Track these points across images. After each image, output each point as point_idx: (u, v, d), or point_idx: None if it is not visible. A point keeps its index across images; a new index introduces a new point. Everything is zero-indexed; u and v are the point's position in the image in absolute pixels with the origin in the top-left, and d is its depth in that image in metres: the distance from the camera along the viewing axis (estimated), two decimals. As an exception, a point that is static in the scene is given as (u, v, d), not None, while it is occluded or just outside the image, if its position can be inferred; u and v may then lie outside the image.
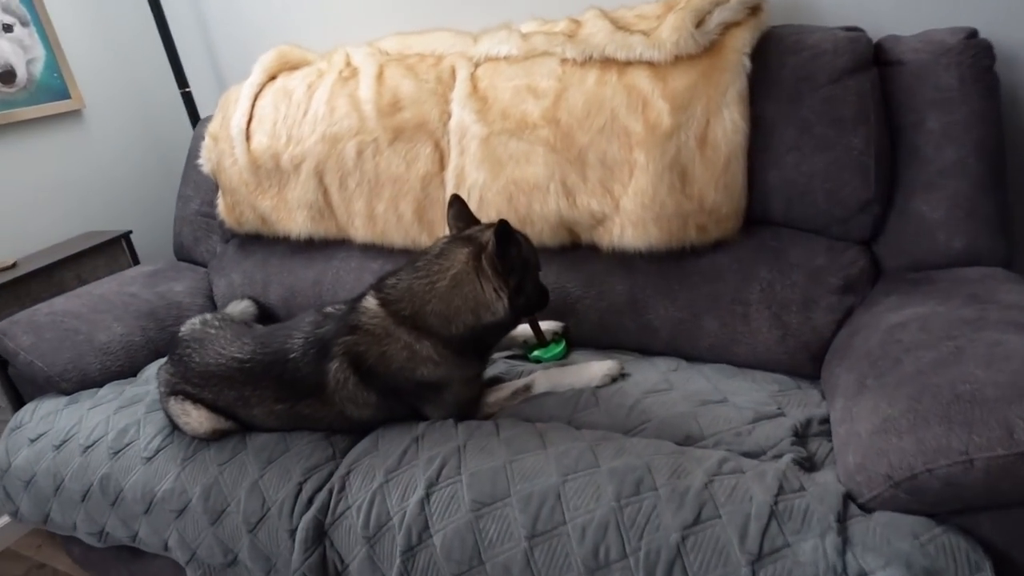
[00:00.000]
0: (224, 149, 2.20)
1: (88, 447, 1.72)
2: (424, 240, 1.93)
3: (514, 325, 1.54)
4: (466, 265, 1.42)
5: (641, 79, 1.56)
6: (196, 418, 1.58)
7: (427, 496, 1.29)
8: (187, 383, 1.60)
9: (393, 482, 1.36)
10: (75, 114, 2.55)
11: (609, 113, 1.59)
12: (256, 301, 2.21)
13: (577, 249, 1.75)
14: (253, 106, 2.19)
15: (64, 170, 2.54)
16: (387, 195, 1.97)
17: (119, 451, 1.67)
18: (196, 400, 1.59)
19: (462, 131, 1.83)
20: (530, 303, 1.52)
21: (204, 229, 2.47)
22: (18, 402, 2.12)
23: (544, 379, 1.57)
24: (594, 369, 1.56)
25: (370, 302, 1.48)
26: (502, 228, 1.35)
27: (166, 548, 1.61)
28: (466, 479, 1.29)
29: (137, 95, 2.78)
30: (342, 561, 1.36)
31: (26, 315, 2.03)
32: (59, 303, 2.10)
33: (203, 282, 2.39)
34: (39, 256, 2.37)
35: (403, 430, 1.50)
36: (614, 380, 1.55)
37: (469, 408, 1.55)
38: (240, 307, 2.13)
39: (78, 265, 2.36)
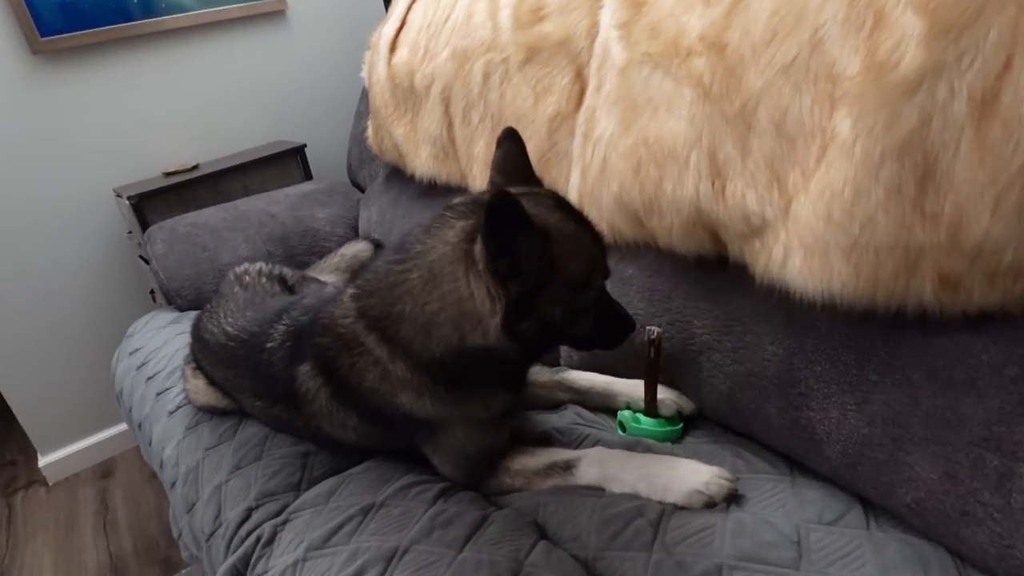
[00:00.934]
0: (374, 61, 1.88)
1: (150, 378, 1.61)
2: (542, 206, 1.39)
3: (521, 361, 0.99)
4: (452, 250, 0.89)
5: (881, -29, 0.79)
6: (193, 388, 1.33)
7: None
8: (195, 343, 1.35)
9: (308, 565, 0.94)
10: (279, 15, 2.45)
11: (808, 35, 0.86)
12: (377, 244, 1.90)
13: (720, 267, 1.06)
14: (409, 10, 1.81)
15: (259, 74, 2.48)
16: (507, 138, 1.45)
17: (160, 393, 1.52)
18: (198, 367, 1.34)
19: (603, 54, 1.22)
20: (554, 336, 0.95)
21: (369, 152, 2.22)
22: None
23: (597, 464, 0.99)
24: (683, 473, 0.93)
25: (347, 292, 1.03)
26: (497, 200, 0.79)
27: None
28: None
29: (342, -2, 2.60)
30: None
31: (172, 222, 2.01)
32: (205, 214, 2.04)
33: (352, 211, 2.17)
34: (217, 162, 2.36)
35: (377, 480, 1.07)
36: (709, 504, 0.90)
37: (479, 466, 1.05)
38: (353, 250, 1.85)
39: (247, 175, 2.30)
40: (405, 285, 0.93)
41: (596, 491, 0.98)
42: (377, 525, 0.97)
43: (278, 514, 1.08)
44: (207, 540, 1.17)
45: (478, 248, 0.87)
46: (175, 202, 2.17)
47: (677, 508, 0.91)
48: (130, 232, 2.28)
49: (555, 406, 1.22)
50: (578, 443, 1.09)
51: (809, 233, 0.85)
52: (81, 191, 2.26)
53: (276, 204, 2.10)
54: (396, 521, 0.96)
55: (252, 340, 1.15)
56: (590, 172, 1.23)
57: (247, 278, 1.37)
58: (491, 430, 1.03)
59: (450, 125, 1.62)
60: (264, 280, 1.38)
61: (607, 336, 0.99)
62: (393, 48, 1.80)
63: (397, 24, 1.80)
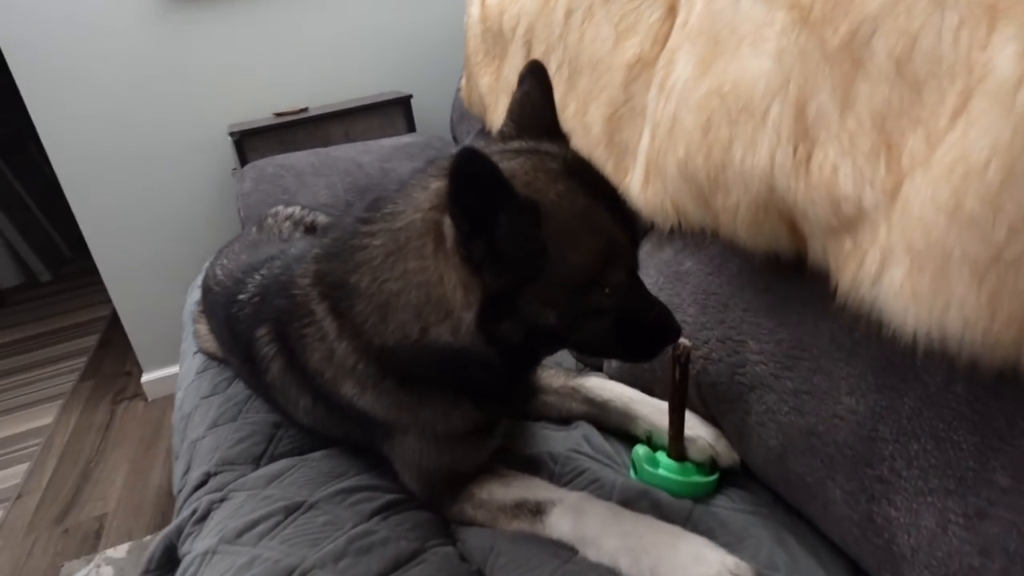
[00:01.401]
0: (470, 2, 1.68)
1: (200, 312, 1.56)
2: (609, 172, 1.11)
3: (502, 371, 0.72)
4: (420, 219, 0.68)
5: None
6: (198, 331, 1.23)
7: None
8: (203, 284, 1.23)
9: (215, 560, 0.78)
10: (399, -39, 2.32)
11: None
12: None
13: (796, 275, 0.74)
14: (514, -58, 1.58)
15: (375, 22, 2.36)
16: (581, 88, 1.19)
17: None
18: (203, 311, 1.23)
19: (696, -23, 0.93)
20: (550, 341, 0.71)
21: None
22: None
23: (573, 515, 0.73)
24: (681, 556, 0.66)
25: (314, 251, 0.84)
26: (464, 163, 0.57)
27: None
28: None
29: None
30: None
31: (264, 162, 1.97)
32: (296, 157, 1.98)
33: (441, 167, 2.00)
34: (325, 107, 2.29)
35: (327, 473, 0.90)
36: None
37: (438, 486, 0.83)
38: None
39: (350, 122, 2.21)
40: (365, 252, 0.73)
41: (568, 549, 0.72)
42: (293, 531, 0.78)
43: (222, 488, 0.94)
44: (177, 495, 1.07)
45: (448, 223, 0.65)
46: (276, 142, 2.13)
47: (663, 604, 0.63)
48: (234, 169, 2.28)
49: (567, 420, 0.97)
50: (570, 480, 0.83)
51: (922, 233, 0.53)
52: (199, 126, 2.30)
53: (367, 154, 1.99)
54: (315, 532, 0.77)
55: (232, 288, 1.00)
56: (659, 132, 0.95)
57: (269, 220, 1.24)
58: (452, 448, 0.80)
59: (530, 72, 1.38)
60: (287, 224, 1.24)
61: (631, 346, 0.72)
62: (490, -15, 1.59)
63: (497, -42, 1.59)
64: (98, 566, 1.78)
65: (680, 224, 0.93)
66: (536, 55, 1.34)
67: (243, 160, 2.13)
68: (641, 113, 1.06)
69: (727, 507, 0.77)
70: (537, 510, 0.76)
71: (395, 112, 2.25)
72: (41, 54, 2.11)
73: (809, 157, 0.66)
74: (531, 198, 0.62)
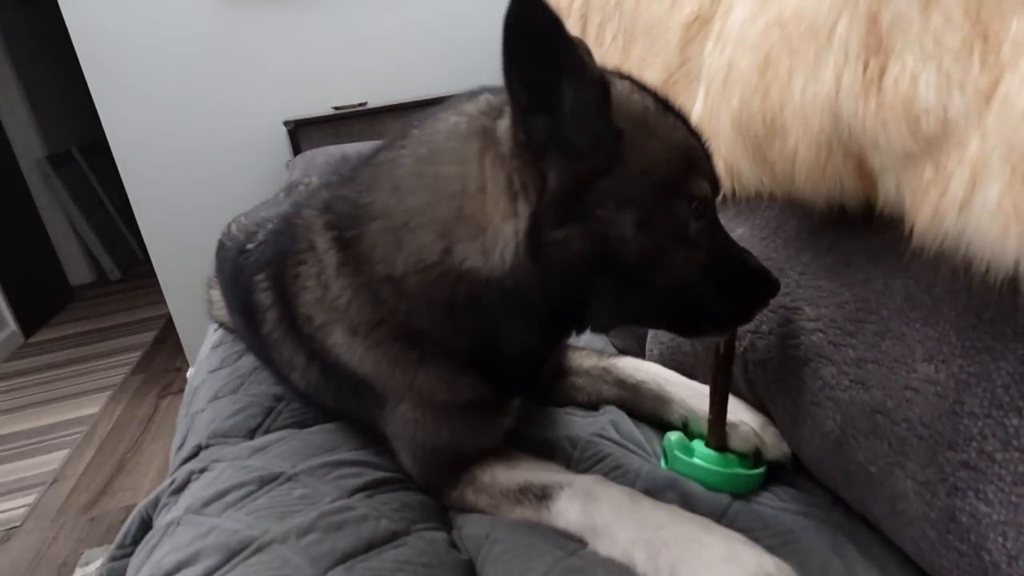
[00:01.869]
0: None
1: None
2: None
3: (539, 316, 0.61)
4: (466, 122, 0.61)
5: None
6: (211, 298, 1.18)
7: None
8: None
9: (177, 531, 0.70)
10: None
11: None
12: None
13: (863, 229, 0.62)
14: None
15: (440, 22, 2.36)
16: (635, 55, 1.11)
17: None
18: (216, 273, 1.17)
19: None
20: (617, 281, 0.58)
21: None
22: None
23: (583, 500, 0.62)
24: (709, 553, 0.53)
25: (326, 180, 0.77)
26: (523, 7, 0.48)
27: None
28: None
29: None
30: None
31: (314, 152, 1.98)
32: (349, 147, 1.97)
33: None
34: (384, 103, 2.28)
35: (318, 446, 0.81)
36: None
37: (436, 467, 0.74)
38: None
39: (408, 117, 2.18)
40: (387, 167, 0.65)
41: (576, 541, 0.61)
42: (265, 503, 0.69)
43: (207, 460, 0.86)
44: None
45: (504, 125, 0.57)
46: (331, 134, 2.13)
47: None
48: (289, 161, 2.29)
49: (596, 406, 0.86)
50: (589, 467, 0.72)
51: (1028, 133, 0.41)
52: (256, 118, 2.33)
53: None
54: (287, 504, 0.68)
55: (242, 240, 0.94)
56: (712, 88, 0.85)
57: (301, 188, 1.18)
58: (453, 423, 0.70)
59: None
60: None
61: (725, 299, 0.59)
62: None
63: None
64: (117, 555, 1.74)
65: (734, 192, 0.82)
66: (592, 28, 1.27)
67: (296, 151, 2.13)
68: (696, 77, 0.97)
69: (773, 505, 0.64)
70: (543, 495, 0.64)
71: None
72: (110, 54, 2.19)
73: (882, 73, 0.54)
74: (598, 73, 0.54)
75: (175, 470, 0.90)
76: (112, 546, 0.85)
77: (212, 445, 0.90)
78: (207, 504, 0.72)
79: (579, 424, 0.80)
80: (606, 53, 1.23)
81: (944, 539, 0.50)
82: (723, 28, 0.85)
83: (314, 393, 0.83)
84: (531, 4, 0.48)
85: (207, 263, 2.33)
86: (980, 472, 0.47)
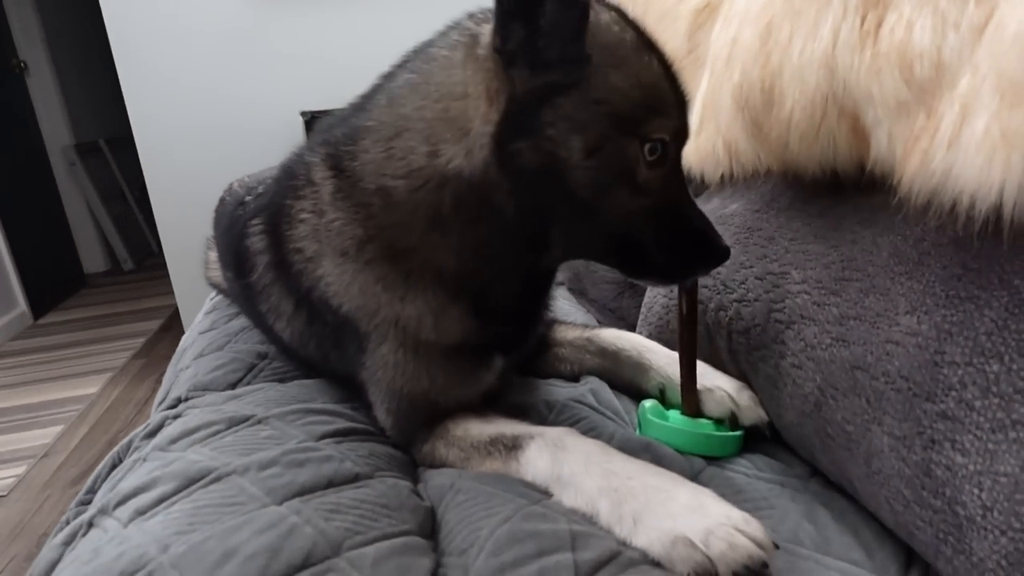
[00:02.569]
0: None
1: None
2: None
3: (512, 226, 0.61)
4: (457, 32, 0.63)
5: None
6: (207, 260, 1.18)
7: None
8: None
9: (142, 467, 0.69)
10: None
11: None
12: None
13: (854, 192, 0.61)
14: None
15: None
16: (643, 46, 1.11)
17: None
18: (214, 233, 1.17)
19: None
20: (563, 200, 0.58)
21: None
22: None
23: (552, 450, 0.60)
24: (675, 503, 0.52)
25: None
26: None
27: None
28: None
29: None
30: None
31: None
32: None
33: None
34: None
35: (294, 396, 0.80)
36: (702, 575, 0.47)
37: (410, 416, 0.72)
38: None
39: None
40: (385, 86, 0.67)
41: (541, 493, 0.59)
42: (230, 440, 0.68)
43: (185, 408, 0.85)
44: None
45: (487, 29, 0.58)
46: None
47: (642, 562, 0.49)
48: (303, 156, 2.31)
49: (579, 377, 0.84)
50: (567, 424, 0.70)
51: (1018, 56, 0.40)
52: (275, 108, 2.36)
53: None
54: (255, 444, 0.67)
55: (241, 193, 0.94)
56: (717, 64, 0.85)
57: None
58: (432, 369, 0.69)
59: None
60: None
61: (664, 251, 0.59)
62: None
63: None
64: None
65: (731, 171, 0.81)
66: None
67: (311, 145, 2.15)
68: (703, 64, 0.96)
69: (749, 473, 0.62)
70: (513, 445, 0.63)
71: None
72: (141, 45, 2.25)
73: (879, 24, 0.54)
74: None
75: (151, 433, 0.89)
76: (82, 490, 0.84)
77: (193, 397, 0.89)
78: (174, 442, 0.71)
79: (558, 391, 0.79)
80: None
81: (919, 496, 0.47)
82: (731, 8, 0.85)
83: (298, 344, 0.82)
84: None
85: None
86: (958, 422, 0.45)
